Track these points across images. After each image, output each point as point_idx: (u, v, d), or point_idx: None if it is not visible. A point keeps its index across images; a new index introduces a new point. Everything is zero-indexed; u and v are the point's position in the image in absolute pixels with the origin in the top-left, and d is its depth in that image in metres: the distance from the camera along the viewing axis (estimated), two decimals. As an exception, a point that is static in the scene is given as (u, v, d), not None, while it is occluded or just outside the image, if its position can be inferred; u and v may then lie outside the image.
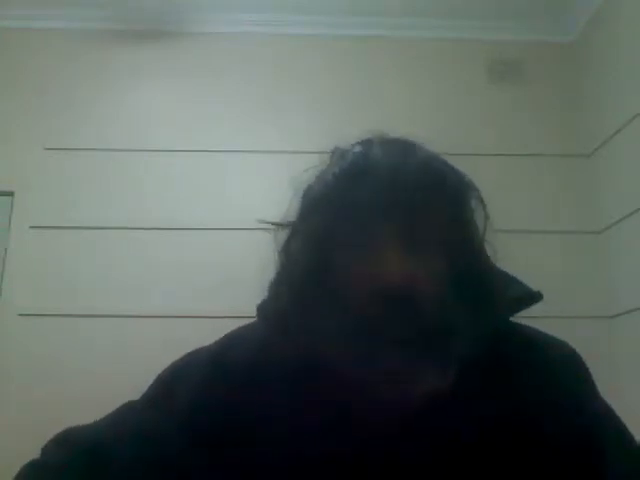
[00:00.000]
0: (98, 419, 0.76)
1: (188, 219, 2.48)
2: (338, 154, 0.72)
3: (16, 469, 0.71)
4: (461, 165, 0.70)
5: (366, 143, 0.71)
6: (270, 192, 2.54)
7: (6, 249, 2.42)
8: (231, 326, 0.77)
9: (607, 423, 0.71)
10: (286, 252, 0.70)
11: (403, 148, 0.68)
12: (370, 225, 0.63)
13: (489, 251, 0.69)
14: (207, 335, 0.78)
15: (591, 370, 0.73)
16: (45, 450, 0.74)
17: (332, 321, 0.63)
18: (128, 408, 0.75)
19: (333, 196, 0.66)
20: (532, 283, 0.72)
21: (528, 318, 0.72)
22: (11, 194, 2.49)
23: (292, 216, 0.71)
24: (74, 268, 2.41)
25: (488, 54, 2.73)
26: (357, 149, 0.70)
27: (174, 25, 2.71)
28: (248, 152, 2.58)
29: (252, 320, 0.75)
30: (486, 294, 0.66)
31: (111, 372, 2.22)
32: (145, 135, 2.59)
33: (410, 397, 0.62)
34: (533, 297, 0.70)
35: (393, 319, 0.60)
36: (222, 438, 0.67)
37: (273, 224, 0.72)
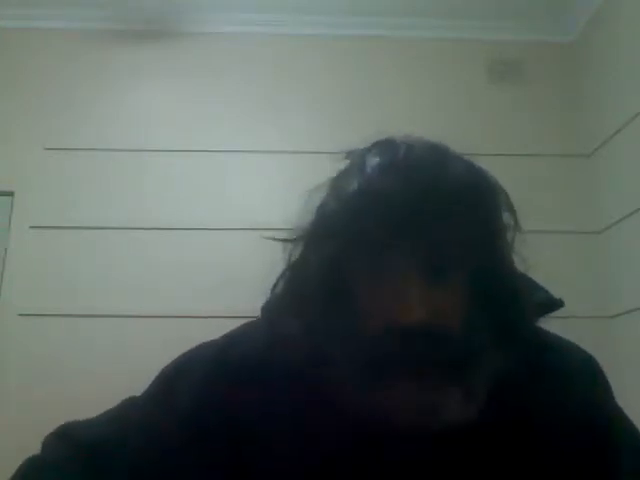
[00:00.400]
0: (99, 414, 0.75)
1: (188, 219, 2.48)
2: (356, 163, 0.65)
3: (16, 468, 0.71)
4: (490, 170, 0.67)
5: (388, 150, 0.64)
6: (270, 192, 2.55)
7: (6, 249, 2.41)
8: (231, 326, 0.77)
9: (623, 430, 0.70)
10: (295, 263, 0.67)
11: (432, 162, 0.62)
12: (390, 254, 0.59)
13: (517, 260, 0.66)
14: (207, 335, 0.78)
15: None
16: (45, 444, 0.73)
17: (342, 336, 0.61)
18: (130, 404, 0.75)
19: (348, 218, 0.60)
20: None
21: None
22: (11, 194, 2.49)
23: (304, 230, 0.66)
24: (74, 268, 2.41)
25: (488, 54, 2.73)
26: (377, 159, 0.63)
27: (174, 25, 2.71)
28: (248, 152, 2.58)
29: (256, 319, 0.74)
30: (515, 316, 0.63)
31: (111, 372, 2.22)
32: (145, 135, 2.59)
33: (427, 427, 0.60)
34: (555, 304, 0.69)
35: (409, 353, 0.57)
36: (223, 436, 0.67)
37: (283, 240, 0.68)
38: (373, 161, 0.64)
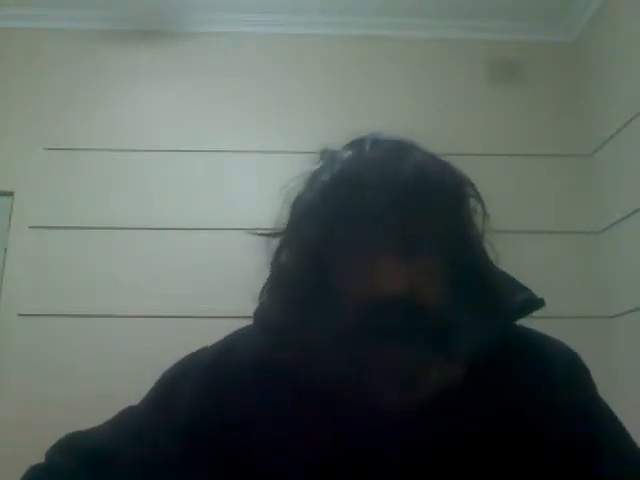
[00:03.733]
0: (99, 425, 0.76)
1: (188, 219, 2.48)
2: (328, 157, 0.70)
3: (16, 469, 0.71)
4: (461, 165, 0.69)
5: (356, 145, 0.69)
6: (270, 192, 2.54)
7: (6, 249, 2.41)
8: (231, 326, 0.77)
9: (607, 425, 0.71)
10: (277, 262, 0.69)
11: (396, 150, 0.66)
12: (363, 235, 0.62)
13: (491, 253, 0.68)
14: (207, 335, 0.78)
15: (591, 370, 0.73)
16: (48, 456, 0.74)
17: (329, 329, 0.62)
18: (129, 412, 0.75)
19: (323, 205, 0.64)
20: (532, 283, 0.72)
21: (528, 318, 0.72)
22: (11, 194, 2.49)
23: (283, 224, 0.70)
24: (74, 268, 2.41)
25: (488, 54, 2.73)
26: (347, 153, 0.68)
27: (174, 25, 2.71)
28: (248, 152, 2.58)
29: (248, 324, 0.75)
30: (488, 295, 0.66)
31: (111, 372, 2.23)
32: (145, 135, 2.59)
33: (413, 397, 0.62)
34: (536, 304, 0.70)
35: (391, 324, 0.60)
36: (221, 440, 0.67)
37: (264, 234, 0.71)
38: (343, 155, 0.68)
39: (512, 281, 0.72)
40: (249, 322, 0.76)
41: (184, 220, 2.48)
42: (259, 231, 0.72)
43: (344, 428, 0.64)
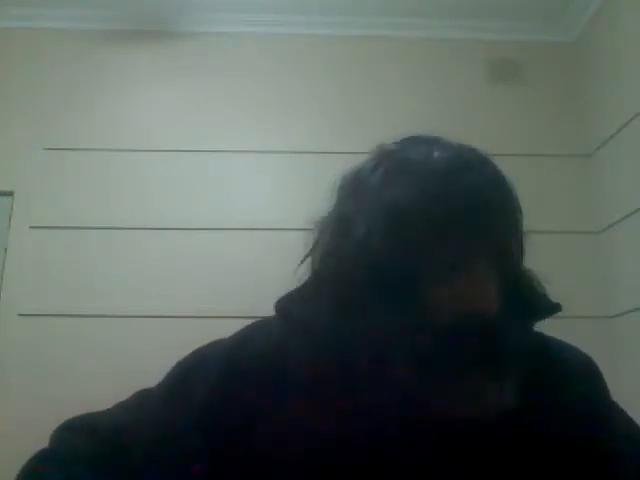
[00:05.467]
0: (109, 408, 0.76)
1: (188, 219, 2.48)
2: (395, 160, 0.65)
3: (17, 468, 0.71)
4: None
5: (423, 148, 0.65)
6: (270, 192, 2.55)
7: (6, 249, 2.41)
8: (231, 326, 0.77)
9: (622, 428, 0.71)
10: (331, 258, 0.65)
11: (465, 159, 0.64)
12: (459, 246, 0.59)
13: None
14: (207, 335, 0.78)
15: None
16: (58, 438, 0.73)
17: (402, 343, 0.61)
18: (144, 395, 0.75)
19: (409, 213, 0.59)
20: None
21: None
22: (11, 194, 2.49)
23: (343, 221, 0.65)
24: (74, 268, 2.41)
25: (488, 54, 2.73)
26: (417, 156, 0.64)
27: (174, 25, 2.71)
28: (248, 152, 2.58)
29: (269, 316, 0.74)
30: (528, 307, 0.66)
31: (111, 372, 2.22)
32: (145, 135, 2.59)
33: (476, 416, 0.61)
34: (554, 308, 0.70)
35: (470, 344, 0.59)
36: (236, 430, 0.66)
37: (311, 228, 0.68)
38: (413, 155, 0.64)
39: (536, 285, 0.72)
40: (249, 322, 0.76)
41: (184, 220, 2.48)
42: (313, 225, 0.68)
43: (364, 430, 0.63)
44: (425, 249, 0.59)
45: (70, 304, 2.37)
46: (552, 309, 0.69)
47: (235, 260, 2.40)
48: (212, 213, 2.49)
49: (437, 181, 0.61)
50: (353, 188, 0.66)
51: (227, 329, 0.77)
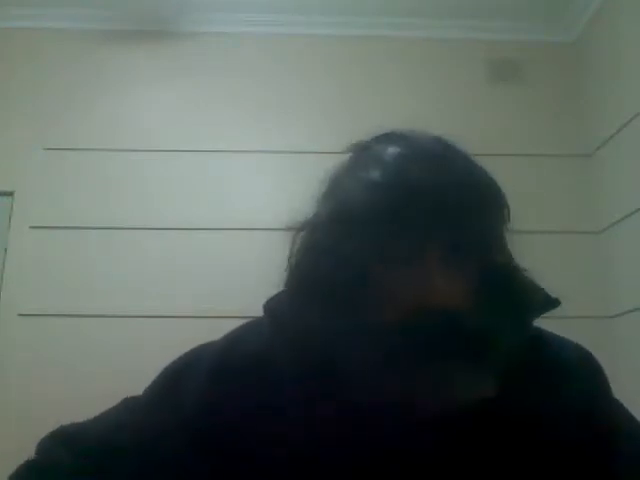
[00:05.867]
0: (96, 415, 0.75)
1: (188, 219, 2.48)
2: (369, 155, 0.67)
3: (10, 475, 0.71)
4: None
5: (398, 142, 0.66)
6: (270, 192, 2.55)
7: (6, 249, 2.42)
8: (231, 326, 0.77)
9: (623, 425, 0.71)
10: (307, 258, 0.66)
11: (441, 152, 0.65)
12: (413, 240, 0.60)
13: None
14: (207, 335, 0.78)
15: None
16: (43, 448, 0.72)
17: (361, 337, 0.61)
18: (130, 403, 0.74)
19: (373, 207, 0.61)
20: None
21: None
22: (11, 194, 2.49)
23: (318, 219, 0.66)
24: (74, 268, 2.41)
25: (488, 54, 2.73)
26: (394, 150, 0.65)
27: (174, 25, 2.71)
28: (248, 152, 2.58)
29: (258, 317, 0.74)
30: (516, 299, 0.66)
31: (111, 372, 2.22)
32: (145, 135, 2.59)
33: (449, 408, 0.61)
34: (552, 303, 0.70)
35: (439, 340, 0.58)
36: (227, 434, 0.66)
37: (292, 228, 0.68)
38: (391, 151, 0.65)
39: (531, 282, 0.72)
40: (255, 318, 0.76)
41: (184, 220, 2.48)
42: (290, 226, 0.69)
43: (358, 426, 0.63)
44: (376, 245, 0.61)
45: (70, 304, 2.37)
46: (551, 304, 0.69)
47: (235, 260, 2.40)
48: (212, 213, 2.49)
49: (390, 175, 0.62)
50: (325, 186, 0.68)
51: (227, 329, 0.77)
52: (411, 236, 0.60)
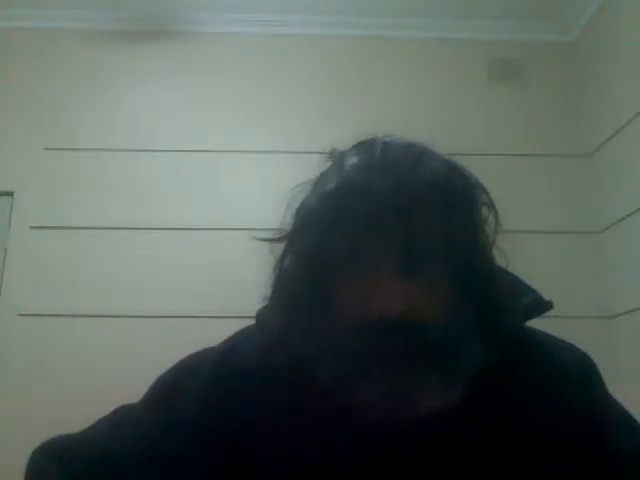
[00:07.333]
0: (91, 425, 0.74)
1: (188, 219, 2.48)
2: (335, 161, 0.68)
3: (16, 468, 0.71)
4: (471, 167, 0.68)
5: (366, 149, 0.66)
6: (270, 192, 2.55)
7: (6, 249, 2.41)
8: (231, 326, 0.77)
9: (621, 426, 0.70)
10: (280, 268, 0.68)
11: (407, 157, 0.63)
12: (366, 248, 0.60)
13: (500, 257, 0.67)
14: (207, 335, 0.78)
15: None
16: (33, 465, 0.70)
17: (326, 340, 0.62)
18: (127, 412, 0.74)
19: (326, 213, 0.62)
20: (531, 283, 0.72)
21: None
22: (11, 194, 2.49)
23: (286, 230, 0.68)
24: (74, 268, 2.41)
25: (488, 54, 2.73)
26: (356, 157, 0.65)
27: (174, 25, 2.71)
28: (248, 152, 2.58)
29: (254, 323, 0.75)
30: (493, 303, 0.64)
31: (111, 372, 2.22)
32: (145, 135, 2.59)
33: (408, 413, 0.61)
34: (543, 306, 0.69)
35: (384, 345, 0.58)
36: (226, 440, 0.67)
37: (267, 239, 0.70)
38: (351, 160, 0.65)
39: (519, 284, 0.71)
40: (249, 322, 0.76)
41: (184, 220, 2.48)
42: (262, 236, 0.71)
43: (343, 431, 0.63)
44: (332, 250, 0.62)
45: (70, 304, 2.37)
46: (542, 306, 0.69)
47: (235, 260, 2.40)
48: (212, 213, 2.49)
49: (344, 185, 0.62)
50: (297, 196, 0.69)
51: (227, 329, 0.77)
52: (365, 245, 0.60)
